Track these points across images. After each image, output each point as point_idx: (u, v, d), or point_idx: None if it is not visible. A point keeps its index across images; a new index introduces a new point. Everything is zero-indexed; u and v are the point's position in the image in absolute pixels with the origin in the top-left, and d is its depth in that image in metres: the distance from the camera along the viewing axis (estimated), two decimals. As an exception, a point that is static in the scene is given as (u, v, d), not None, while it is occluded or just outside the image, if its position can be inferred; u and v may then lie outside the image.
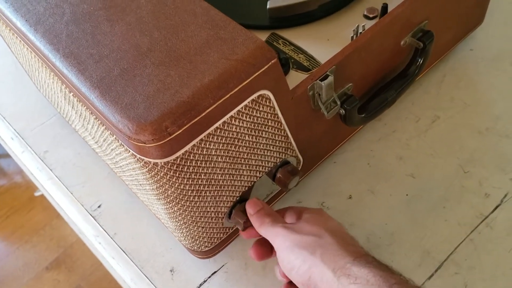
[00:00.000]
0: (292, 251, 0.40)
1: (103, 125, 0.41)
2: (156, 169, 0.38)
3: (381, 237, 0.53)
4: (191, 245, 0.49)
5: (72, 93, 0.42)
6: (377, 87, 0.54)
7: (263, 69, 0.39)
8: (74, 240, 1.46)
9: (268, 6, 0.55)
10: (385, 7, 0.52)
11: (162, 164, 0.38)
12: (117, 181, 0.59)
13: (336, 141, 0.56)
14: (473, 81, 0.63)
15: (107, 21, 0.42)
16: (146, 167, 0.38)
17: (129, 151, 0.38)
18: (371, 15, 0.56)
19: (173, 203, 0.42)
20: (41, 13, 0.44)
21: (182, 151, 0.38)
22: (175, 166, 0.38)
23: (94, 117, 0.41)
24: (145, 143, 0.36)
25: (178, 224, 0.46)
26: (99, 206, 0.58)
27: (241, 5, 0.58)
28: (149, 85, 0.37)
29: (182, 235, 0.48)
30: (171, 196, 0.41)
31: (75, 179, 0.61)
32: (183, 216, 0.44)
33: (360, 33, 0.51)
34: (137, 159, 0.38)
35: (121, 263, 0.54)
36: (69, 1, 0.44)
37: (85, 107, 0.42)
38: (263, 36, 0.55)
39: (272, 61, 0.39)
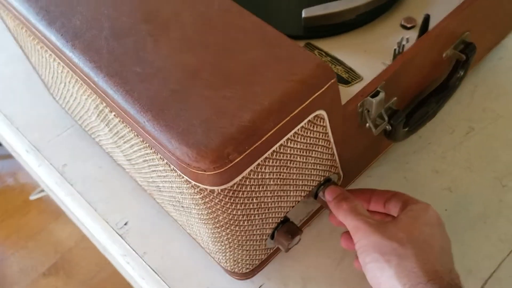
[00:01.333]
0: (368, 253, 0.38)
1: (151, 148, 0.38)
2: (212, 196, 0.36)
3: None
4: (231, 267, 0.47)
5: (114, 113, 0.40)
6: (417, 100, 0.53)
7: (323, 89, 0.37)
8: (72, 245, 1.43)
9: (303, 15, 0.53)
10: (427, 18, 0.50)
11: (219, 191, 0.36)
12: (143, 196, 0.57)
13: (375, 155, 0.55)
14: (504, 90, 0.63)
15: (150, 36, 0.40)
16: (201, 194, 0.37)
17: (182, 177, 0.36)
18: (408, 25, 0.54)
19: (223, 228, 0.40)
20: (77, 27, 0.41)
21: (240, 177, 0.36)
22: (231, 193, 0.37)
23: (141, 139, 0.39)
24: (205, 171, 0.34)
25: (223, 247, 0.44)
26: (125, 224, 0.56)
27: (273, 13, 0.56)
28: (204, 108, 0.35)
29: (224, 257, 0.46)
30: (222, 221, 0.39)
31: (97, 195, 0.59)
32: (230, 240, 0.42)
33: (404, 45, 0.49)
34: (192, 186, 0.36)
35: (152, 284, 0.53)
36: (106, 14, 0.42)
37: (130, 129, 0.40)
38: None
39: (332, 81, 0.37)
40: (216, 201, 0.37)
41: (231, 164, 0.34)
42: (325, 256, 0.52)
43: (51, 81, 0.54)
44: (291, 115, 0.36)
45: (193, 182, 0.36)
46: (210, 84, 0.37)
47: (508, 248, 0.52)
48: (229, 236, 0.42)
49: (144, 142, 0.39)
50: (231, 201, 0.37)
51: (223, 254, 0.45)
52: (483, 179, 0.56)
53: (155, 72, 0.38)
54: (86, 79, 0.40)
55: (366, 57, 0.53)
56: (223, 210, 0.38)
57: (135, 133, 0.39)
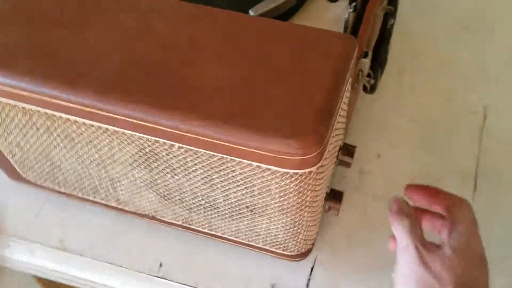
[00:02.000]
0: (405, 280, 0.39)
1: (227, 162, 0.40)
2: (308, 178, 0.40)
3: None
4: (299, 249, 0.51)
5: (178, 145, 0.41)
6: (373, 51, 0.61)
7: (353, 59, 0.42)
8: None
9: (252, 15, 0.58)
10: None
11: (315, 170, 0.40)
12: (163, 232, 0.57)
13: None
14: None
15: (180, 62, 0.42)
16: (297, 179, 0.40)
17: (276, 172, 0.39)
18: (335, -5, 0.62)
19: (306, 208, 0.44)
20: (100, 77, 0.41)
21: (327, 151, 0.40)
22: (321, 169, 0.40)
23: (219, 156, 0.40)
24: (308, 155, 0.37)
25: (297, 230, 0.47)
26: (160, 265, 0.56)
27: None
28: (277, 103, 0.39)
29: (294, 242, 0.49)
30: (308, 201, 0.43)
31: (115, 251, 0.57)
32: (308, 219, 0.46)
33: (349, 12, 0.56)
34: (289, 175, 0.39)
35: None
36: (119, 48, 0.42)
37: (195, 154, 0.41)
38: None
39: (356, 49, 0.43)
40: (310, 181, 0.41)
41: (325, 141, 0.38)
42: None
43: (35, 156, 0.51)
44: (342, 88, 0.41)
45: (292, 171, 0.39)
46: (268, 84, 0.40)
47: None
48: (309, 215, 0.45)
49: (218, 159, 0.40)
50: (319, 177, 0.41)
51: (295, 238, 0.49)
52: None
53: (210, 87, 0.40)
54: (139, 123, 0.40)
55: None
56: (312, 188, 0.42)
57: (208, 154, 0.40)
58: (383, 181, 0.61)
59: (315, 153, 0.38)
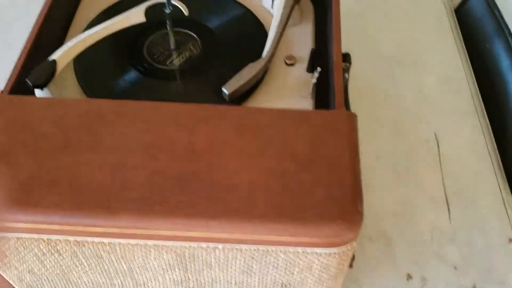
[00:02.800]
0: None
1: (269, 252, 0.42)
2: (347, 250, 0.43)
3: None
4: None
5: (222, 245, 0.42)
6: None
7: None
8: None
9: (227, 93, 0.60)
10: (313, 52, 0.63)
11: (353, 243, 0.43)
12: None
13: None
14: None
15: (207, 166, 0.43)
16: (340, 254, 0.43)
17: (318, 254, 0.42)
18: (291, 61, 0.66)
19: (342, 275, 0.47)
20: (135, 196, 0.41)
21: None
22: (355, 240, 0.44)
23: (264, 249, 0.42)
24: (351, 231, 0.41)
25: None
26: None
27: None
28: (311, 189, 0.42)
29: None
30: (346, 267, 0.46)
31: None
32: (340, 281, 0.49)
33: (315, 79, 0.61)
34: (332, 254, 0.42)
35: None
36: (141, 163, 0.43)
37: (238, 249, 0.42)
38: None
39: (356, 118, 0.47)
40: (350, 252, 0.44)
41: (363, 214, 0.42)
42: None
43: (49, 278, 0.49)
44: (359, 160, 0.45)
45: (337, 249, 0.42)
46: (297, 172, 0.43)
47: (438, 171, 0.70)
48: (342, 277, 0.48)
49: (262, 251, 0.42)
50: (355, 244, 0.45)
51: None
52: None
53: (244, 186, 0.42)
54: (183, 234, 0.41)
55: (286, 98, 0.63)
56: (350, 256, 0.45)
57: (252, 248, 0.42)
58: (367, 219, 0.66)
59: (358, 228, 0.41)
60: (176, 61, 0.65)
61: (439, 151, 0.72)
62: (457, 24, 0.89)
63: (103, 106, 0.45)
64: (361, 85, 0.78)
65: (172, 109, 0.46)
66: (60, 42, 0.67)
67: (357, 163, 0.43)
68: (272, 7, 0.72)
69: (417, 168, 0.71)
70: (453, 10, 0.92)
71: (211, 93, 0.62)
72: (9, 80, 0.55)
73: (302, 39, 0.69)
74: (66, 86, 0.61)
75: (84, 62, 0.62)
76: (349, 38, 0.82)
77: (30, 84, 0.53)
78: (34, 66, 0.58)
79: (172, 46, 0.66)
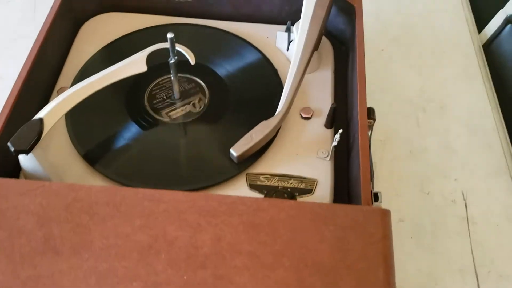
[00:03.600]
0: None
1: None
2: None
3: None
4: None
5: None
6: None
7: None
8: None
9: (235, 155, 0.54)
10: (334, 108, 0.56)
11: None
12: None
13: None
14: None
15: (215, 278, 0.36)
16: None
17: None
18: (308, 115, 0.60)
19: None
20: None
21: None
22: None
23: None
24: None
25: None
26: None
27: (206, 166, 0.54)
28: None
29: None
30: None
31: None
32: None
33: (337, 139, 0.54)
34: None
35: None
36: (135, 271, 0.36)
37: None
38: (241, 182, 0.53)
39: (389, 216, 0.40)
40: None
41: None
42: None
43: None
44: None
45: None
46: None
47: (467, 238, 0.63)
48: None
49: None
50: None
51: None
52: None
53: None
54: None
55: (303, 158, 0.56)
56: None
57: None
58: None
59: None
60: (180, 113, 0.59)
61: (467, 214, 0.65)
62: (486, 63, 0.82)
63: (94, 194, 0.39)
64: (384, 135, 0.72)
65: (173, 200, 0.39)
66: (46, 96, 0.60)
67: (392, 278, 0.37)
68: (287, 50, 0.65)
69: (443, 234, 0.64)
70: (481, 46, 0.85)
71: (217, 153, 0.55)
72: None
73: (320, 88, 0.62)
74: (55, 146, 0.55)
75: (75, 115, 0.55)
76: (368, 78, 0.75)
77: (12, 149, 0.47)
78: (16, 127, 0.51)
79: (176, 95, 0.60)
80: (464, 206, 0.66)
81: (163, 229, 0.38)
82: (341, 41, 0.69)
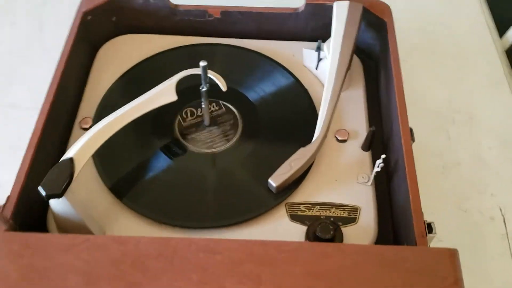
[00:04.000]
0: None
1: None
2: None
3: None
4: None
5: None
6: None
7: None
8: None
9: (274, 185, 0.51)
10: (373, 132, 0.54)
11: None
12: None
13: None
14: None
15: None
16: None
17: None
18: (344, 138, 0.57)
19: None
20: None
21: None
22: None
23: None
24: None
25: None
26: None
27: (242, 198, 0.52)
28: None
29: None
30: None
31: None
32: None
33: (380, 164, 0.51)
34: None
35: None
36: None
37: None
38: (280, 212, 0.51)
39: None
40: None
41: None
42: None
43: None
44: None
45: None
46: None
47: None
48: None
49: None
50: None
51: None
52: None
53: None
54: None
55: (343, 184, 0.54)
56: None
57: None
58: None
59: None
60: (211, 142, 0.56)
61: (506, 231, 0.63)
62: (511, 69, 0.80)
63: (144, 247, 0.36)
64: (414, 150, 0.69)
65: (229, 250, 0.37)
66: (68, 128, 0.58)
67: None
68: (316, 68, 0.62)
69: (483, 254, 0.62)
70: (505, 51, 0.83)
71: (253, 183, 0.52)
72: (9, 198, 0.45)
73: (353, 108, 0.60)
74: (84, 186, 0.52)
75: (103, 151, 0.52)
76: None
77: (44, 194, 0.44)
78: (40, 165, 0.49)
79: (206, 122, 0.57)
80: (503, 222, 0.64)
81: (222, 284, 0.35)
82: (369, 56, 0.66)
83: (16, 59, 0.78)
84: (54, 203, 0.46)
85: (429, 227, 0.45)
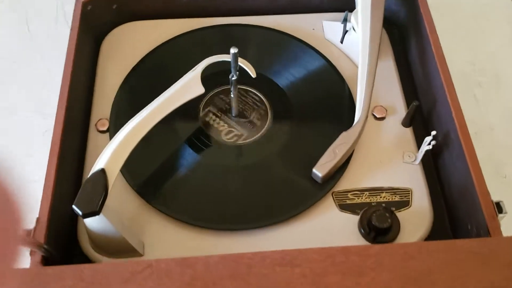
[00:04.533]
0: None
1: None
2: None
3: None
4: None
5: None
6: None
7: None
8: None
9: (320, 175, 0.48)
10: (417, 106, 0.51)
11: None
12: None
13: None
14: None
15: None
16: None
17: None
18: (383, 115, 0.54)
19: None
20: None
21: None
22: None
23: None
24: None
25: None
26: None
27: (286, 192, 0.49)
28: None
29: None
30: None
31: None
32: None
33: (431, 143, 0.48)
34: None
35: None
36: None
37: None
38: (327, 203, 0.48)
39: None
40: None
41: None
42: None
43: None
44: None
45: None
46: None
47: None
48: None
49: None
50: None
51: None
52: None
53: None
54: None
55: (389, 165, 0.51)
56: None
57: None
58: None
59: None
60: (242, 133, 0.52)
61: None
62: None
63: (214, 268, 0.33)
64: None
65: (307, 261, 0.33)
66: (84, 131, 0.53)
67: None
68: (341, 42, 0.58)
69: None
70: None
71: (295, 175, 0.49)
72: (38, 220, 0.41)
73: (386, 82, 0.57)
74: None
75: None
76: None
77: (81, 213, 0.40)
78: (64, 183, 0.45)
79: (235, 112, 0.53)
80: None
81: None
82: (393, 24, 0.62)
83: (6, 60, 0.72)
84: (90, 221, 0.42)
85: (499, 207, 0.42)
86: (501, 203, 0.43)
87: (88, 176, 0.42)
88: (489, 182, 0.63)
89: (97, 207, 0.40)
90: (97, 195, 0.41)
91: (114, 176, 0.43)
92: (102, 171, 0.42)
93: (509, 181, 0.63)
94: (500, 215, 0.42)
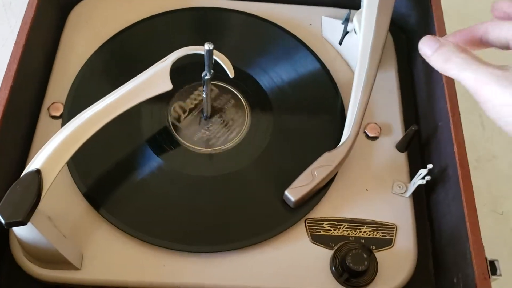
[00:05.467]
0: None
1: None
2: None
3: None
4: None
5: None
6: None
7: None
8: None
9: (292, 200, 0.43)
10: (416, 130, 0.45)
11: None
12: None
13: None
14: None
15: None
16: None
17: None
18: (376, 134, 0.48)
19: None
20: None
21: None
22: None
23: None
24: None
25: None
26: None
27: (251, 214, 0.43)
28: None
29: None
30: None
31: None
32: None
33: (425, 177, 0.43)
34: None
35: None
36: None
37: None
38: (298, 231, 0.43)
39: None
40: None
41: None
42: None
43: None
44: None
45: None
46: None
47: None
48: None
49: None
50: None
51: None
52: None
53: None
54: None
55: (375, 195, 0.45)
56: None
57: None
58: None
59: None
60: (211, 138, 0.46)
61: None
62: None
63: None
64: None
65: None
66: (34, 116, 0.47)
67: None
68: (340, 43, 0.52)
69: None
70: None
71: (265, 195, 0.43)
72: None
73: (384, 95, 0.51)
74: (53, 191, 0.42)
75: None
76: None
77: (3, 221, 0.34)
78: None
79: (207, 113, 0.47)
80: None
81: None
82: (401, 28, 0.56)
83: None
84: (18, 229, 0.36)
85: (493, 266, 0.37)
86: (496, 263, 0.37)
87: (21, 176, 0.36)
88: (483, 217, 0.57)
89: (23, 217, 0.34)
90: (25, 202, 0.35)
91: (51, 179, 0.37)
92: (37, 172, 0.36)
93: (505, 218, 0.58)
94: (493, 277, 0.37)
